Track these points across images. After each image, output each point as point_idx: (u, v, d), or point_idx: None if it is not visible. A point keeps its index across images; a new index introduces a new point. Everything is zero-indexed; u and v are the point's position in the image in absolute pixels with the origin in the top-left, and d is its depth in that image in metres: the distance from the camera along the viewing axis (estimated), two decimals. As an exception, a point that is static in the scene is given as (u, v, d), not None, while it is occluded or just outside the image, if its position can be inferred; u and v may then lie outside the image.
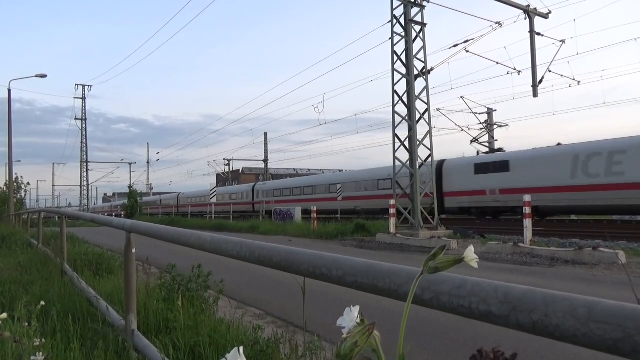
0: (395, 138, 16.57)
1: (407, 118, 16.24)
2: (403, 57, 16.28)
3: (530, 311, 0.80)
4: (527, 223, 11.85)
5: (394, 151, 16.66)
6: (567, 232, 15.43)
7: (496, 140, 30.41)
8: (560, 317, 0.76)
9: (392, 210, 16.38)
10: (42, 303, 2.97)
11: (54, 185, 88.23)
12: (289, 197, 36.58)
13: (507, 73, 19.73)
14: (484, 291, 0.88)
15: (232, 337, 3.53)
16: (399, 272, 1.08)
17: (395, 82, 16.46)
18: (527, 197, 12.07)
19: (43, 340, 2.80)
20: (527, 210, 11.89)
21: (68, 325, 3.65)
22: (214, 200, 30.23)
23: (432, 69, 17.40)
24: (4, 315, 1.54)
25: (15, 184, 27.64)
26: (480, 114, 29.94)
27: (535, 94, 17.75)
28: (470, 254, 0.68)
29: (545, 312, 0.78)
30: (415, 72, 16.21)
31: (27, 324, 2.75)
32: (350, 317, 0.61)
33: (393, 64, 16.43)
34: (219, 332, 3.64)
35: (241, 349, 0.55)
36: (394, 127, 16.57)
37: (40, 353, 2.01)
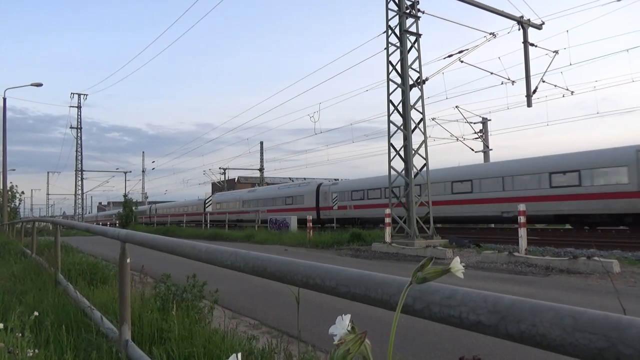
0: (391, 147, 16.65)
1: (402, 127, 16.33)
2: (398, 67, 16.41)
3: (518, 321, 0.81)
4: (522, 232, 11.88)
5: (390, 160, 16.73)
6: (562, 241, 15.48)
7: (491, 149, 30.60)
8: (547, 326, 0.77)
9: (387, 220, 16.40)
10: (36, 313, 2.96)
11: (48, 194, 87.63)
12: (378, 199, 25.72)
13: (502, 83, 19.95)
14: (473, 301, 0.89)
15: (227, 347, 3.52)
16: (391, 283, 1.09)
17: (390, 91, 16.58)
18: (521, 206, 12.11)
19: (36, 350, 2.79)
20: (522, 219, 11.93)
21: (61, 336, 3.62)
22: (209, 209, 30.16)
23: (427, 79, 17.58)
24: (0, 325, 1.54)
25: (9, 192, 27.54)
26: (475, 123, 30.18)
27: (529, 104, 17.93)
28: (457, 264, 0.70)
29: (532, 321, 0.79)
30: (410, 82, 16.34)
31: (20, 334, 2.74)
32: (342, 325, 0.63)
33: (388, 74, 16.56)
34: (214, 342, 3.63)
35: (239, 355, 0.57)
36: (390, 137, 16.67)
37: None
